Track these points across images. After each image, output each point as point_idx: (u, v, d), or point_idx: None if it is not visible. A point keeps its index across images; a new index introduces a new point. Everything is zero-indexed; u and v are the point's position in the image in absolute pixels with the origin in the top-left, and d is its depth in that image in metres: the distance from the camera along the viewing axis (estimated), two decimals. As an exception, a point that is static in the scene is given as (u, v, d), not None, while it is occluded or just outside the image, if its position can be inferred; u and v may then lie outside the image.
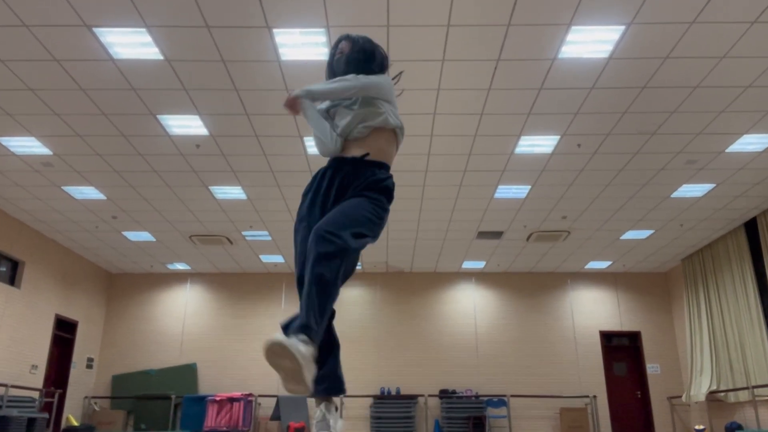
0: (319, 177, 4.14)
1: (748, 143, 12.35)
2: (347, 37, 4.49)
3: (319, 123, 4.32)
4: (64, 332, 19.32)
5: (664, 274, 22.09)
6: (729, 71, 9.98)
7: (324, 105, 4.45)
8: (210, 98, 10.84)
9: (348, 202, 3.86)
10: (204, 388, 20.85)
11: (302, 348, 3.36)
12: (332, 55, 4.50)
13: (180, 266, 21.48)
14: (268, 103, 10.96)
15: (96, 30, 8.96)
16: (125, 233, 17.86)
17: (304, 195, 4.16)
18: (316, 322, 3.51)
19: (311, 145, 12.48)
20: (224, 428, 19.35)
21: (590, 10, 8.57)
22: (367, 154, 4.07)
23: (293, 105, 4.28)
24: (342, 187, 4.00)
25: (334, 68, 4.44)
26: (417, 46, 9.41)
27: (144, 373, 20.92)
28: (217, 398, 19.74)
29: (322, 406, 3.93)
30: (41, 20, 8.73)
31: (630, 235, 17.87)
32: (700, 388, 18.30)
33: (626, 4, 8.45)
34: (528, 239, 18.25)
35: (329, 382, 3.92)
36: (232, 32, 9.05)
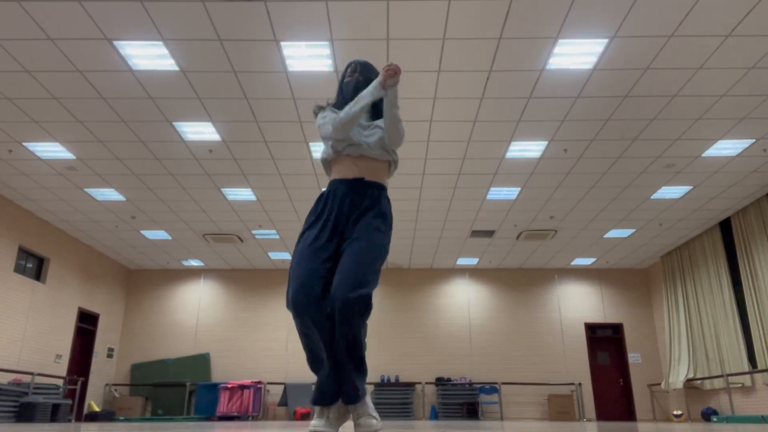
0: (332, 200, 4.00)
1: (723, 148, 12.35)
2: (359, 64, 4.35)
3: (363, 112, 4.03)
4: (87, 324, 19.33)
5: (644, 270, 22.07)
6: (705, 81, 9.98)
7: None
8: (222, 106, 10.84)
9: (364, 244, 3.79)
10: (216, 376, 20.85)
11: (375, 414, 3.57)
12: (344, 76, 4.38)
13: (194, 263, 21.45)
14: (276, 110, 10.96)
15: (116, 43, 8.96)
16: (143, 232, 17.85)
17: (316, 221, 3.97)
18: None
19: (316, 150, 12.53)
20: (235, 413, 19.37)
21: (576, 24, 8.57)
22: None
23: (397, 72, 3.96)
24: (352, 211, 3.93)
25: (343, 88, 4.31)
26: (415, 57, 9.41)
27: (161, 362, 20.91)
28: (229, 385, 19.76)
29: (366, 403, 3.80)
30: (65, 34, 8.74)
31: (613, 233, 17.85)
32: (678, 376, 18.30)
33: (610, 19, 8.46)
34: (518, 237, 18.22)
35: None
36: (242, 45, 9.05)
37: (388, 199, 4.09)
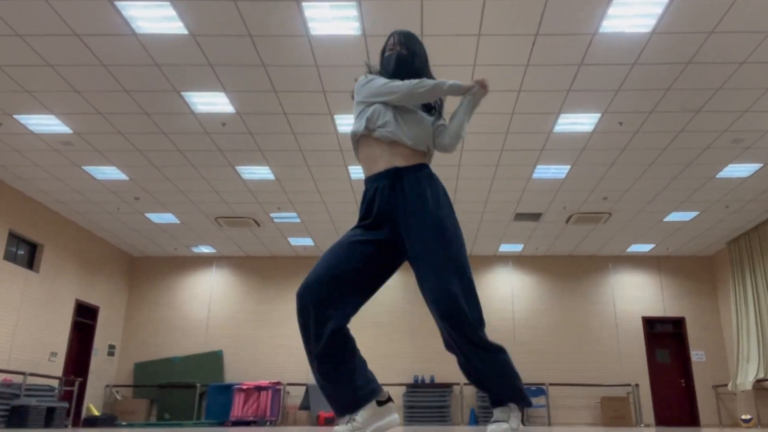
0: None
1: (799, 120, 12.33)
2: (401, 34, 4.36)
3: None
4: (85, 318, 19.43)
5: (709, 257, 22.01)
6: (778, 46, 9.99)
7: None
8: (236, 74, 10.86)
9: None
10: (230, 376, 20.93)
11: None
12: (384, 49, 4.38)
13: (205, 249, 21.56)
14: (298, 79, 10.97)
15: (117, 3, 8.97)
16: (148, 215, 17.93)
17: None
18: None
19: (342, 124, 12.57)
20: (251, 418, 19.46)
21: (632, -18, 8.55)
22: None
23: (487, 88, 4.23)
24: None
25: (384, 63, 4.33)
26: (452, 19, 9.40)
27: (167, 360, 21.02)
28: (244, 387, 19.83)
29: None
30: (61, -6, 8.81)
31: (674, 216, 17.82)
32: (747, 376, 18.26)
33: (670, -24, 8.42)
34: (567, 221, 18.25)
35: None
36: (259, 5, 9.04)
37: (431, 176, 4.05)
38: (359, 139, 4.13)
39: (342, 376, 3.71)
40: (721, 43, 9.87)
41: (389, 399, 3.86)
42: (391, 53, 4.27)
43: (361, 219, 4.01)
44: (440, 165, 14.25)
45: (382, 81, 4.07)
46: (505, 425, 3.68)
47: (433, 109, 4.36)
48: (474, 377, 3.82)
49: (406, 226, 3.85)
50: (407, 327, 21.32)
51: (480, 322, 3.69)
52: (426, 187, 3.91)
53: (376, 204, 3.92)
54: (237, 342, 21.33)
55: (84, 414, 19.18)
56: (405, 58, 4.23)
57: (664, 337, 21.54)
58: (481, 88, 4.14)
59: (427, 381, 20.52)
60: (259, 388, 19.90)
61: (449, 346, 3.86)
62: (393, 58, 4.24)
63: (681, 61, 10.38)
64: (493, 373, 3.71)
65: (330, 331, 3.67)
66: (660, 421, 20.66)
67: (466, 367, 3.82)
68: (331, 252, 3.86)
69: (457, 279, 3.67)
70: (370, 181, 4.03)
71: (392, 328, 21.16)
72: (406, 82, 3.98)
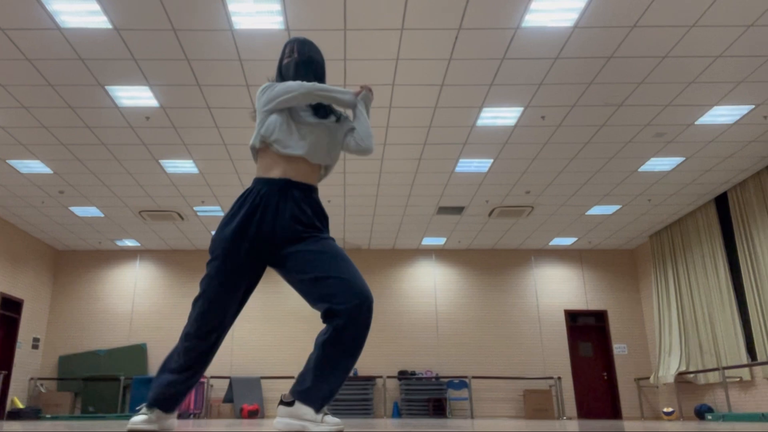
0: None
1: (719, 115, 12.45)
2: (297, 41, 4.39)
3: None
4: (9, 311, 19.25)
5: (631, 251, 22.25)
6: (698, 40, 10.04)
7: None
8: (160, 68, 10.81)
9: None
10: (154, 368, 20.81)
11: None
12: (282, 57, 4.39)
13: (129, 243, 21.42)
14: (221, 73, 10.95)
15: (41, -4, 8.95)
16: (72, 209, 17.79)
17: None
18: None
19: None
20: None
21: (556, -23, 8.63)
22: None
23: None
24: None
25: (282, 71, 4.35)
26: (375, 13, 9.41)
27: (92, 353, 20.88)
28: (168, 380, 19.65)
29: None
30: (-17, -14, 8.69)
31: (596, 210, 17.99)
32: (669, 369, 18.45)
33: (593, -28, 8.52)
34: (490, 215, 18.33)
35: None
36: (183, 0, 9.11)
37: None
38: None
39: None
40: (643, 38, 9.98)
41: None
42: (289, 60, 4.29)
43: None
44: (361, 159, 14.33)
45: (280, 85, 4.09)
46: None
47: (332, 114, 4.31)
48: None
49: None
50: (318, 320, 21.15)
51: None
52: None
53: None
54: (161, 335, 21.27)
55: (8, 407, 18.99)
56: (300, 64, 4.26)
57: (587, 330, 21.71)
58: (369, 92, 4.30)
59: (351, 374, 20.51)
60: (184, 382, 19.70)
61: None
62: (291, 65, 4.26)
63: (603, 56, 10.48)
64: None
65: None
66: (582, 414, 20.86)
67: None
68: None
69: None
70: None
71: (312, 320, 21.14)
72: (305, 83, 4.01)
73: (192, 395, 19.67)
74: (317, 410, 3.71)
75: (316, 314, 21.16)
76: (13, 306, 19.49)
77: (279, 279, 21.58)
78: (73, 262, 22.09)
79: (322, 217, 4.03)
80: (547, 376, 20.82)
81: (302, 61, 4.26)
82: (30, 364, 20.34)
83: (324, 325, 3.82)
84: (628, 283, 21.93)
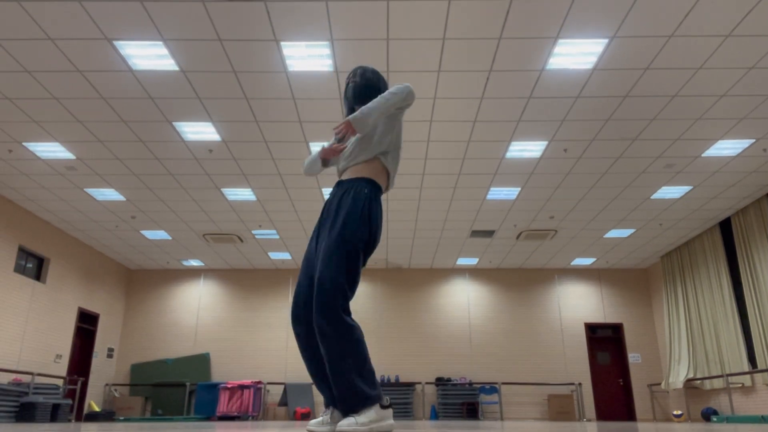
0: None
1: (723, 148, 12.35)
2: (359, 69, 4.43)
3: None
4: (87, 324, 19.33)
5: (644, 270, 22.08)
6: (705, 81, 9.99)
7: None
8: (222, 106, 10.83)
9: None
10: (216, 376, 20.87)
11: None
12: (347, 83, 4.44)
13: (194, 263, 21.44)
14: (276, 110, 10.95)
15: (116, 43, 8.96)
16: (143, 232, 17.84)
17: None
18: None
19: (316, 149, 12.42)
20: (235, 413, 19.38)
21: (576, 24, 8.58)
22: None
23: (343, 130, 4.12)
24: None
25: (347, 95, 4.40)
26: (415, 58, 9.42)
27: (161, 361, 20.92)
28: (229, 385, 19.76)
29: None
30: (65, 34, 8.75)
31: (613, 233, 17.85)
32: (678, 376, 18.31)
33: (609, 19, 8.46)
34: (518, 238, 18.22)
35: None
36: (242, 45, 9.05)
37: (359, 191, 4.00)
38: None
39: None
40: (655, 79, 9.93)
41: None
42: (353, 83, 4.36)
43: None
44: (404, 187, 14.32)
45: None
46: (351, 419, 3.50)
47: None
48: None
49: None
50: (374, 332, 21.27)
51: None
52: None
53: None
54: (222, 345, 21.25)
55: (85, 410, 19.05)
56: (357, 86, 4.32)
57: (604, 341, 21.53)
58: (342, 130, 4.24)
59: (393, 380, 20.48)
60: (242, 387, 19.82)
61: None
62: (349, 88, 4.36)
63: (619, 95, 10.42)
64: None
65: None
66: (600, 416, 20.67)
67: None
68: None
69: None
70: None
71: (365, 328, 20.84)
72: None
73: (250, 399, 19.71)
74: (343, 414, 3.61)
75: (363, 326, 21.16)
76: (90, 319, 19.57)
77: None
78: (144, 280, 22.14)
79: None
80: (569, 382, 20.69)
81: (357, 83, 4.36)
82: (105, 371, 20.39)
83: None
84: (642, 299, 21.73)
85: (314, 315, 3.59)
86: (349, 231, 3.78)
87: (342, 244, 3.74)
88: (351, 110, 4.40)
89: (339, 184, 4.08)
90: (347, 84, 4.40)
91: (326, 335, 3.54)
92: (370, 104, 3.92)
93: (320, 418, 3.74)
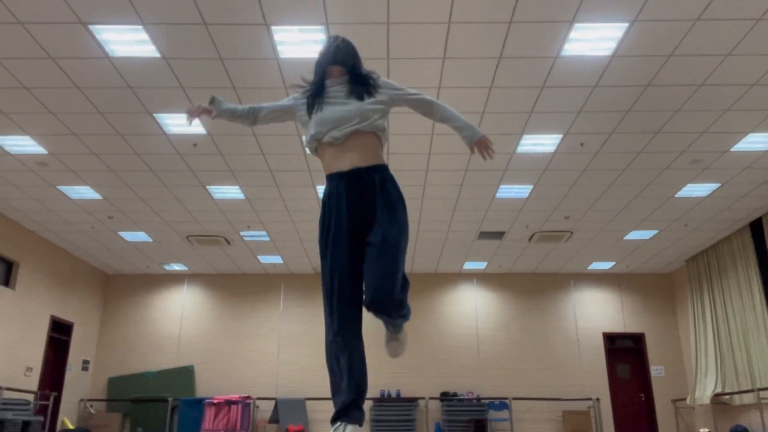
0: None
1: (754, 142, 12.36)
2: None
3: None
4: (60, 334, 19.33)
5: (668, 275, 22.09)
6: (734, 69, 9.98)
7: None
8: (208, 96, 10.71)
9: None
10: (201, 390, 20.85)
11: None
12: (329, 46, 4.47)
13: (177, 267, 21.49)
14: (266, 100, 10.84)
15: (92, 27, 8.96)
16: (121, 233, 17.86)
17: None
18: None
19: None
20: (222, 431, 19.38)
21: (593, 6, 8.57)
22: None
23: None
24: None
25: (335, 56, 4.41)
26: (417, 43, 9.42)
27: (141, 375, 20.93)
28: (215, 401, 19.76)
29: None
30: (36, 17, 8.74)
31: (634, 235, 17.87)
32: (705, 390, 18.30)
33: (630, 1, 8.46)
34: (530, 240, 18.25)
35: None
36: (229, 29, 9.06)
37: (392, 177, 4.28)
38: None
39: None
40: (680, 66, 9.92)
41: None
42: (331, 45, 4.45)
43: None
44: (406, 185, 14.19)
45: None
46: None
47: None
48: None
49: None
50: (374, 342, 21.02)
51: None
52: None
53: None
54: (208, 357, 21.27)
55: (59, 427, 19.03)
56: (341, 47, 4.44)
57: (625, 353, 21.55)
58: (486, 151, 4.49)
59: (394, 395, 20.49)
60: (230, 402, 19.82)
61: None
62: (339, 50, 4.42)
63: (641, 84, 10.43)
64: None
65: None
66: (620, 434, 20.76)
67: None
68: None
69: None
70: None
71: (360, 344, 20.90)
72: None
73: (238, 416, 19.72)
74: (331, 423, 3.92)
75: (364, 333, 21.05)
76: (64, 329, 19.57)
77: (321, 303, 21.45)
78: (122, 286, 22.17)
79: None
80: (586, 397, 20.62)
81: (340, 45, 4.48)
82: (80, 385, 20.40)
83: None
84: (666, 307, 21.76)
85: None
86: None
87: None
88: (323, 73, 4.47)
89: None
90: (329, 47, 4.44)
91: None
92: (460, 117, 4.43)
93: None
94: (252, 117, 4.91)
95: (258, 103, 4.68)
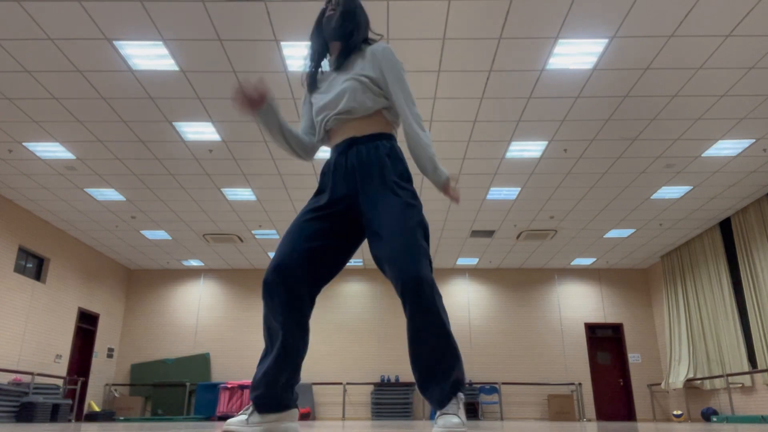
0: None
1: (723, 148, 12.36)
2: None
3: None
4: (87, 324, 19.35)
5: (644, 270, 22.10)
6: (705, 81, 10.00)
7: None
8: (222, 106, 10.84)
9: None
10: (216, 375, 20.89)
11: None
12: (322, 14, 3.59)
13: (194, 263, 21.47)
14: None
15: (116, 43, 8.97)
16: (143, 232, 17.86)
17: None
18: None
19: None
20: (236, 413, 19.29)
21: (576, 24, 8.58)
22: None
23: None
24: None
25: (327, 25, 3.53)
26: (414, 57, 9.42)
27: (161, 362, 20.95)
28: (229, 385, 19.73)
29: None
30: (65, 34, 8.75)
31: (613, 233, 17.87)
32: (678, 376, 18.32)
33: (609, 19, 8.47)
34: (518, 238, 18.23)
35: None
36: (242, 45, 9.06)
37: (399, 151, 3.30)
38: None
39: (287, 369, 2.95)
40: (656, 79, 9.94)
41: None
42: (333, 13, 3.46)
43: None
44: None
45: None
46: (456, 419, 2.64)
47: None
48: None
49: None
50: (375, 332, 21.26)
51: None
52: None
53: None
54: (222, 345, 21.28)
55: (85, 410, 19.06)
56: (347, 13, 3.46)
57: (605, 341, 21.54)
58: (453, 197, 3.34)
59: (393, 380, 20.48)
60: (243, 387, 19.77)
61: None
62: (335, 17, 3.46)
63: (619, 95, 10.43)
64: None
65: (300, 318, 2.98)
66: (600, 416, 20.67)
67: None
68: None
69: None
70: None
71: (361, 332, 21.13)
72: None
73: (246, 398, 19.54)
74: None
75: (355, 326, 21.31)
76: (90, 319, 19.59)
77: (328, 293, 21.80)
78: (144, 280, 22.18)
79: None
80: (569, 382, 20.71)
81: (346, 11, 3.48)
82: (105, 371, 20.42)
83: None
84: (642, 299, 21.76)
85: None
86: None
87: None
88: (324, 45, 3.70)
89: None
90: (323, 15, 3.54)
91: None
92: (434, 164, 3.25)
93: (242, 417, 2.92)
94: (307, 145, 3.71)
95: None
